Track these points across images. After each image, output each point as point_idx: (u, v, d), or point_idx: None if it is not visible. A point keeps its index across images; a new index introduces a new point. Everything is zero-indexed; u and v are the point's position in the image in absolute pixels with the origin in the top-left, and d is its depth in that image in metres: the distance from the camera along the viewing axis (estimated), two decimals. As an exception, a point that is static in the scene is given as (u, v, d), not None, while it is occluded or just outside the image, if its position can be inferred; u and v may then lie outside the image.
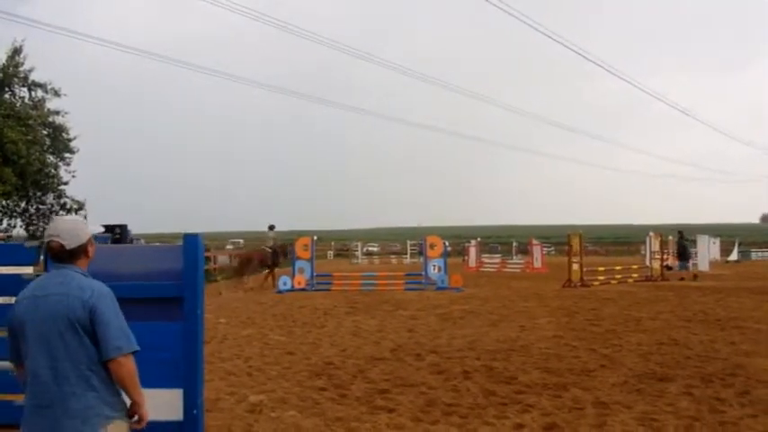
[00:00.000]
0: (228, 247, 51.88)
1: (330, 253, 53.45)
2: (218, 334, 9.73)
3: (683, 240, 23.39)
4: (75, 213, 21.61)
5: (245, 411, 5.45)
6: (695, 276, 22.12)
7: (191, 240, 3.47)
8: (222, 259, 28.99)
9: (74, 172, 22.66)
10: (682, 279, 21.57)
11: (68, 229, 2.58)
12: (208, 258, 24.38)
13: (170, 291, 3.43)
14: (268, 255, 20.24)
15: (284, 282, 18.21)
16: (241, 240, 62.79)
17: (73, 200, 22.29)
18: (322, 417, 5.24)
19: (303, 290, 17.90)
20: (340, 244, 64.22)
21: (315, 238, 19.62)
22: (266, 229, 20.90)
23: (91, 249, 2.65)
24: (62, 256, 2.55)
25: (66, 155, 22.52)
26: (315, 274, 18.87)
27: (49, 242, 2.56)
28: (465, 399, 5.76)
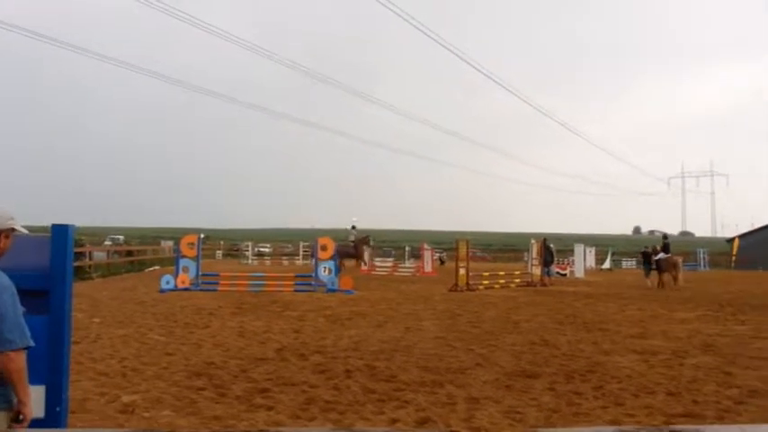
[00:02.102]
0: (107, 242, 49.37)
1: (219, 252, 51.97)
2: (90, 333, 9.24)
3: (545, 247, 24.68)
4: None
5: (117, 412, 5.24)
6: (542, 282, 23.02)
7: (59, 231, 3.32)
8: (99, 255, 27.29)
9: None
10: (546, 285, 22.78)
11: None
12: (82, 254, 22.90)
13: (35, 283, 3.27)
14: (350, 247, 28.74)
15: (167, 281, 17.48)
16: (121, 237, 59.95)
17: None
18: (198, 416, 5.16)
19: (187, 289, 17.33)
20: (230, 243, 62.72)
21: (202, 236, 19.06)
22: (349, 227, 30.38)
23: (4, 242, 2.59)
24: None
25: None
26: (201, 273, 18.34)
27: None
28: (345, 396, 5.87)
